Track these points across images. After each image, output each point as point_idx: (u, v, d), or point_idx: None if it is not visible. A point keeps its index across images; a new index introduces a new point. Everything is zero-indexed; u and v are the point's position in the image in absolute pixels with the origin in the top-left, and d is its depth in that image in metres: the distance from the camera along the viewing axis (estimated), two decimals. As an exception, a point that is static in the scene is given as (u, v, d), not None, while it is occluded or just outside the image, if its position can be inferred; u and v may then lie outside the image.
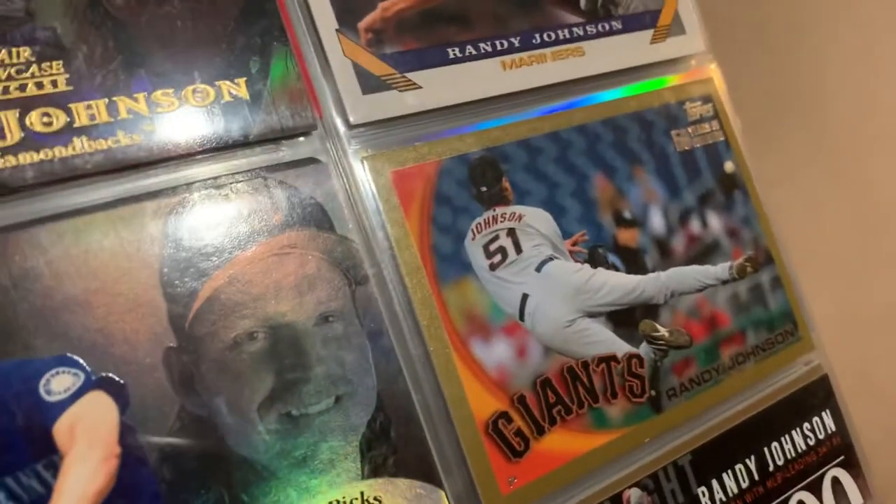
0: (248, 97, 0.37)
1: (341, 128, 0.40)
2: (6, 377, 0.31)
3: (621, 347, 0.43)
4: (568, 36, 0.46)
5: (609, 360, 0.43)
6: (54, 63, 0.34)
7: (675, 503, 0.43)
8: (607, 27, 0.48)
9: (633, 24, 0.49)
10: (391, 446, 0.36)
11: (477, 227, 0.41)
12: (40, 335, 0.31)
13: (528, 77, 0.45)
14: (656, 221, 0.47)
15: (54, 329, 0.32)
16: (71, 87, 0.34)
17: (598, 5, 0.48)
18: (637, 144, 0.47)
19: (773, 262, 0.50)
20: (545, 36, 0.46)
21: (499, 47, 0.44)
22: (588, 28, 0.47)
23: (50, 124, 0.33)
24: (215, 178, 0.36)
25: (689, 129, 0.49)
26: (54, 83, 0.33)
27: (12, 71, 0.33)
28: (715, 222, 0.49)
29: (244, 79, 0.37)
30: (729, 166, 0.50)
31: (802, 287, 0.52)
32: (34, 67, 0.33)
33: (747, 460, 0.46)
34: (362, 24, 0.41)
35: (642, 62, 0.48)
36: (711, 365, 0.46)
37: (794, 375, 0.50)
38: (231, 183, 0.36)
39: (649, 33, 0.49)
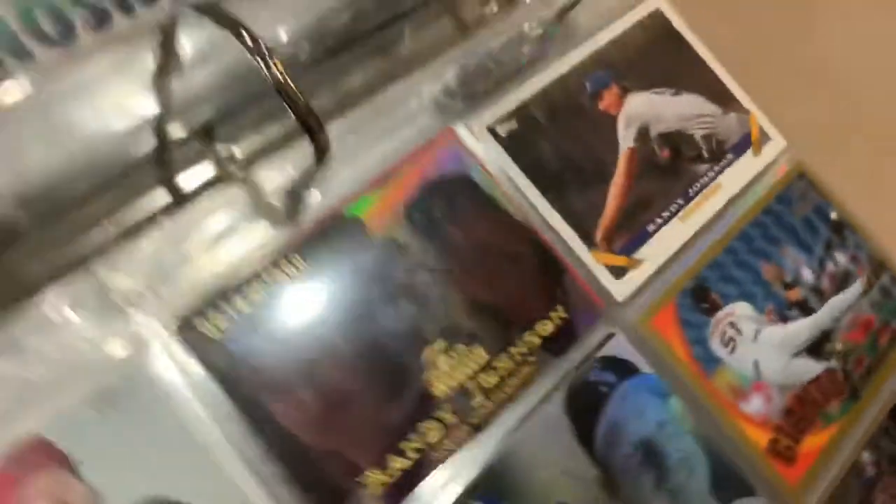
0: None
1: (617, 304, 0.62)
2: None
3: (822, 366, 0.66)
4: (709, 180, 0.69)
5: (818, 378, 0.66)
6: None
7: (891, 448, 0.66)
8: (727, 159, 0.70)
9: (740, 149, 0.71)
10: (730, 487, 0.60)
11: (712, 333, 0.64)
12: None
13: (698, 219, 0.67)
14: (806, 275, 0.69)
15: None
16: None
17: (713, 147, 0.70)
18: (775, 230, 0.69)
19: (886, 268, 0.72)
20: (695, 186, 0.68)
21: (673, 209, 0.67)
22: (716, 167, 0.69)
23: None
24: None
25: (800, 204, 0.71)
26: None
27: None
28: (841, 258, 0.71)
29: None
30: (834, 215, 0.72)
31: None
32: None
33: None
34: (598, 237, 0.63)
35: (756, 173, 0.71)
36: (875, 354, 0.69)
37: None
38: (582, 372, 0.59)
39: (751, 150, 0.71)
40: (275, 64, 0.50)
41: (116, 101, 0.55)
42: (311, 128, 0.50)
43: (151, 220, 0.55)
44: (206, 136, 0.59)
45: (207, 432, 0.47)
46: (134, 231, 0.54)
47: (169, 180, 0.57)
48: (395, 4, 0.69)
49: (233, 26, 0.52)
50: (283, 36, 0.63)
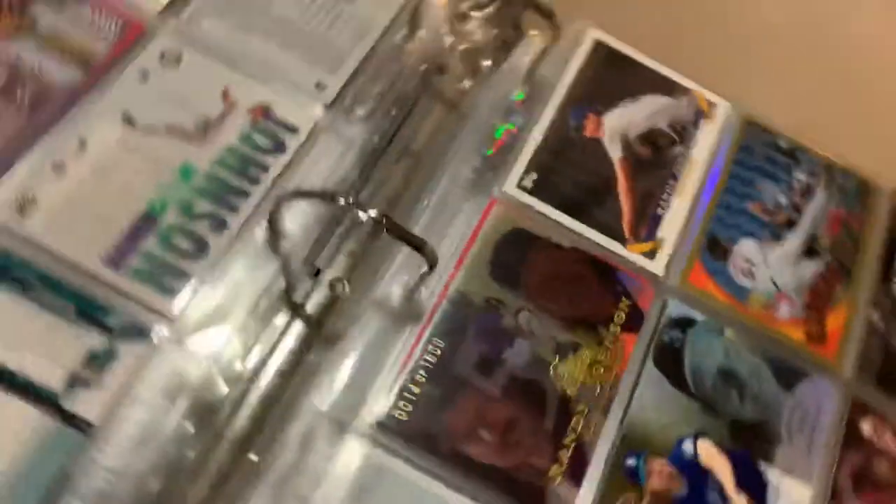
0: (629, 302, 0.78)
1: (660, 279, 0.80)
2: (675, 464, 0.72)
3: (821, 262, 0.85)
4: (685, 157, 0.87)
5: (821, 273, 0.84)
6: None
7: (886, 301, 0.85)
8: (691, 134, 0.88)
9: (698, 123, 0.89)
10: (790, 377, 0.78)
11: (734, 272, 0.82)
12: (667, 443, 0.72)
13: (690, 191, 0.85)
14: (782, 199, 0.88)
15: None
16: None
17: (679, 130, 0.88)
18: (747, 174, 0.88)
19: (835, 169, 0.91)
20: (677, 166, 0.86)
21: (669, 191, 0.85)
22: (687, 145, 0.88)
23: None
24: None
25: (757, 146, 0.90)
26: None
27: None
28: (800, 175, 0.90)
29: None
30: (783, 143, 0.91)
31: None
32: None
33: (898, 260, 0.88)
34: (627, 235, 0.81)
35: (717, 137, 0.89)
36: (852, 238, 0.88)
37: None
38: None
39: (705, 121, 0.90)
40: (377, 213, 0.67)
41: (247, 273, 0.72)
42: (421, 248, 0.67)
43: (306, 350, 0.72)
44: (312, 271, 0.76)
45: (436, 490, 0.65)
46: (322, 365, 0.70)
47: (301, 315, 0.73)
48: (399, 112, 0.86)
49: (329, 197, 0.69)
50: (340, 175, 0.80)
